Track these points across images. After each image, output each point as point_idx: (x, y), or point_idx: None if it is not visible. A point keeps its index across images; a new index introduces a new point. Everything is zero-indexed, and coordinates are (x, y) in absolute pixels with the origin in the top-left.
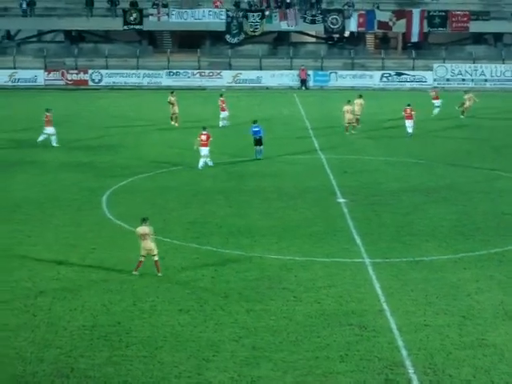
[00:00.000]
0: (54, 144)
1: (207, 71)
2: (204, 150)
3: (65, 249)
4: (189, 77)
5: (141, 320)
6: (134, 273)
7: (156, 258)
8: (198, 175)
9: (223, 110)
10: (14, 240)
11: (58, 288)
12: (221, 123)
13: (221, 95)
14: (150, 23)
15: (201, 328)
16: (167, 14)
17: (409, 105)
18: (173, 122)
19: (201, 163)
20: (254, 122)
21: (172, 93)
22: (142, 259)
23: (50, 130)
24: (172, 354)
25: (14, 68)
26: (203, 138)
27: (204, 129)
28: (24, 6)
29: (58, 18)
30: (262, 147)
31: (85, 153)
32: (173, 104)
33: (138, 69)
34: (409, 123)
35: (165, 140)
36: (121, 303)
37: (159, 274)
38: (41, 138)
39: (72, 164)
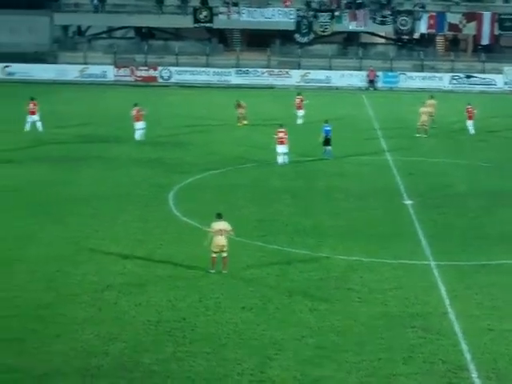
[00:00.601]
0: (138, 138)
1: (276, 70)
2: (282, 148)
3: (132, 244)
4: (258, 75)
5: (205, 316)
6: (211, 271)
7: (225, 255)
8: (266, 173)
9: (300, 108)
10: (82, 234)
11: (124, 283)
12: (299, 121)
13: (298, 94)
14: (221, 21)
15: (264, 326)
16: (237, 13)
17: (469, 104)
18: (239, 124)
19: (280, 160)
20: (326, 121)
21: (238, 102)
22: (215, 255)
23: (139, 124)
24: (235, 351)
25: (85, 63)
26: (280, 135)
27: (281, 126)
28: (95, 2)
29: (129, 15)
30: (330, 147)
31: (154, 149)
32: (238, 109)
33: (207, 66)
34: (470, 123)
35: (233, 138)
36: (186, 299)
37: (224, 271)
38: (137, 136)
39: (141, 160)
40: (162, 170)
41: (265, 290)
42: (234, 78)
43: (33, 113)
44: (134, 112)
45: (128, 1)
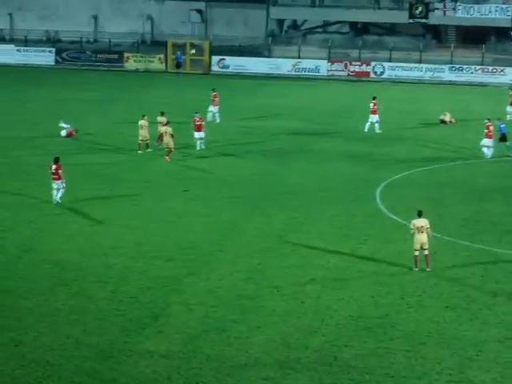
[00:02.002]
0: (377, 131)
1: (490, 67)
2: (487, 141)
3: (337, 238)
4: (471, 72)
5: (407, 314)
6: (414, 269)
7: (427, 253)
8: (474, 171)
9: None
10: (288, 226)
11: (327, 277)
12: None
13: (510, 88)
14: (436, 17)
15: (466, 326)
16: (453, 9)
17: None
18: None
19: (488, 154)
20: (499, 119)
21: (443, 122)
22: (417, 253)
23: (374, 117)
24: (435, 351)
25: (299, 57)
26: (488, 129)
27: (489, 120)
28: None
29: (345, 10)
30: (507, 143)
31: (362, 144)
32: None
33: (420, 62)
34: None
35: (442, 135)
36: (388, 296)
37: (428, 269)
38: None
39: (349, 154)
40: (370, 165)
41: (469, 290)
42: (447, 75)
43: (215, 104)
44: (371, 105)
45: None
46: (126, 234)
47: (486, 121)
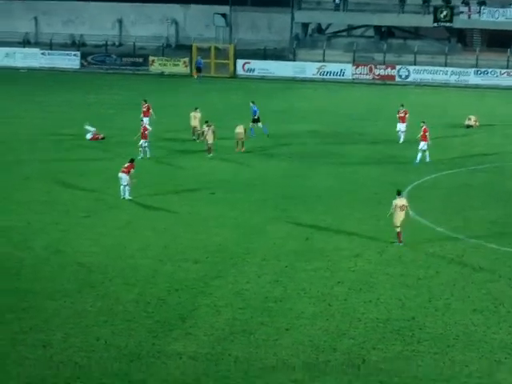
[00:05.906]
0: (401, 140)
1: None
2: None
3: (363, 241)
4: (496, 76)
5: (434, 317)
6: (398, 244)
7: (400, 230)
8: (500, 175)
9: None
10: (315, 229)
11: (354, 279)
12: None
13: None
14: (461, 21)
15: (494, 329)
16: (478, 12)
17: None
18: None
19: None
20: (253, 102)
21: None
22: (398, 229)
23: (400, 126)
24: (463, 353)
25: (323, 61)
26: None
27: (424, 123)
28: (337, 0)
29: (370, 13)
30: (260, 124)
31: (388, 147)
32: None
33: (445, 66)
34: None
35: (468, 139)
36: (416, 299)
37: (400, 244)
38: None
39: (375, 157)
40: (396, 168)
41: (496, 293)
42: (472, 78)
43: (145, 114)
44: (400, 114)
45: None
46: (152, 237)
47: (422, 124)
